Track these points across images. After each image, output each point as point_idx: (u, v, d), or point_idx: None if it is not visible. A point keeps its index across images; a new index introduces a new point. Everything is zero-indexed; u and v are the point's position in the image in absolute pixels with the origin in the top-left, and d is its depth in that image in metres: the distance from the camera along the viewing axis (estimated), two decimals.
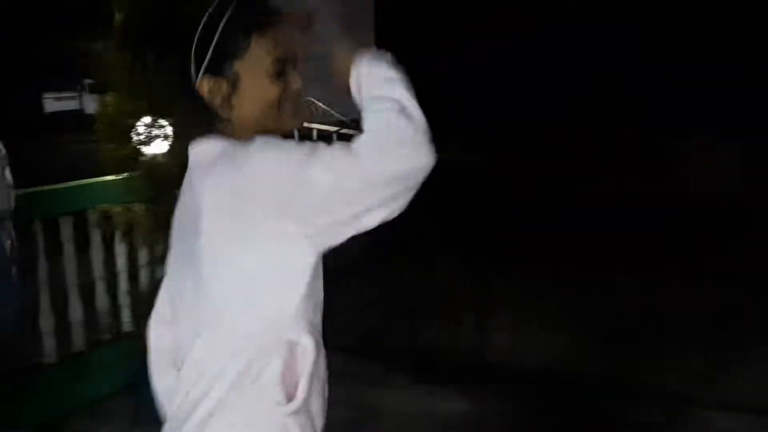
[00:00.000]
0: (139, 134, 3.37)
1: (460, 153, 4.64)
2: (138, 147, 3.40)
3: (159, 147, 3.43)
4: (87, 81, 18.28)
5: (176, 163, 3.44)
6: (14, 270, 2.94)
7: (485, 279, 4.11)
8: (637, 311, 4.48)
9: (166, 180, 3.47)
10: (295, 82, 1.23)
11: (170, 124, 3.35)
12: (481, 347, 3.94)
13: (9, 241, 2.94)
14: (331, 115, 4.08)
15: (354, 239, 1.15)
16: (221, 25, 1.16)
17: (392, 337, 4.04)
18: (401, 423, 3.38)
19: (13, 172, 2.96)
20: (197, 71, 1.20)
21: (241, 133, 1.21)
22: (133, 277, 3.90)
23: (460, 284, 4.41)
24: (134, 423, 3.26)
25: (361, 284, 4.11)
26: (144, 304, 3.84)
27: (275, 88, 1.21)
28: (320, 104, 4.13)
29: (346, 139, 3.96)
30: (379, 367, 3.87)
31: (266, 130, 1.21)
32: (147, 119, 3.39)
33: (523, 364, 3.86)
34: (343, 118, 3.94)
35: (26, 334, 3.27)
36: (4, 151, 2.94)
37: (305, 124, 4.10)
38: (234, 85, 1.20)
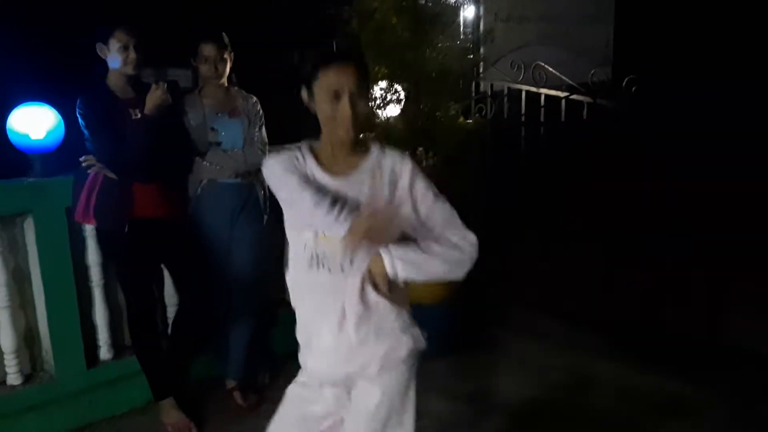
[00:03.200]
0: (375, 98, 3.60)
1: None
2: (374, 110, 3.63)
3: (392, 111, 3.64)
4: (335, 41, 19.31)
5: (408, 127, 3.63)
6: (265, 217, 3.36)
7: (719, 256, 3.77)
8: None
9: (397, 142, 3.69)
10: (345, 109, 1.65)
11: (404, 90, 3.53)
12: (713, 329, 3.66)
13: (262, 192, 3.36)
14: (561, 80, 3.98)
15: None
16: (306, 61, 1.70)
17: (618, 311, 3.90)
18: (618, 398, 3.31)
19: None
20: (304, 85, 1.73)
21: (324, 136, 1.73)
22: None
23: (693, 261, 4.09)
24: None
25: (589, 255, 4.00)
26: None
27: (329, 107, 1.66)
28: (549, 68, 4.04)
29: (577, 105, 3.85)
30: (604, 340, 3.80)
31: (329, 135, 1.71)
32: (383, 84, 3.61)
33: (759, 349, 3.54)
34: (574, 84, 3.83)
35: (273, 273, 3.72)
36: (261, 112, 3.34)
37: (534, 89, 4.06)
38: (311, 97, 1.71)
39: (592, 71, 3.74)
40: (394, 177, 1.73)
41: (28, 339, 3.15)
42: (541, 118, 4.05)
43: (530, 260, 4.23)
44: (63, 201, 2.97)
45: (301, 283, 1.80)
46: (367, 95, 1.71)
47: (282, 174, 1.71)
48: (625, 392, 3.35)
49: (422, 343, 1.85)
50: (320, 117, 1.71)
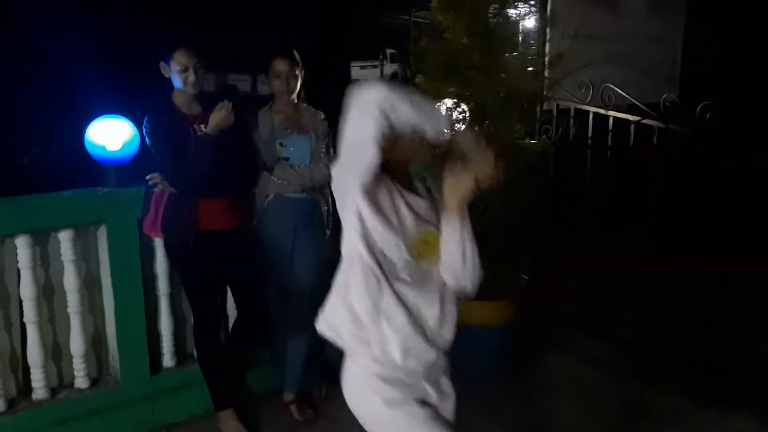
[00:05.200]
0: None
1: None
2: None
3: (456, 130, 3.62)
4: (389, 51, 19.22)
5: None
6: (328, 233, 3.38)
7: None
8: None
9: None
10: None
11: (470, 110, 3.50)
12: None
13: (326, 208, 3.38)
14: (630, 102, 3.88)
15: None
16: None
17: (680, 338, 3.80)
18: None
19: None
20: None
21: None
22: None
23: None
24: None
25: (652, 281, 3.90)
26: None
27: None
28: (618, 90, 3.95)
29: (647, 130, 3.76)
30: (662, 369, 3.70)
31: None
32: (449, 102, 3.59)
33: None
34: (644, 107, 3.73)
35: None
36: (329, 128, 3.37)
37: (602, 111, 3.98)
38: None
39: (664, 95, 3.64)
40: None
41: (95, 344, 3.24)
42: (609, 141, 3.97)
43: (591, 284, 4.15)
44: (135, 211, 3.05)
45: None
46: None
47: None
48: (683, 426, 3.25)
49: None
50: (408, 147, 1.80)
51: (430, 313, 1.86)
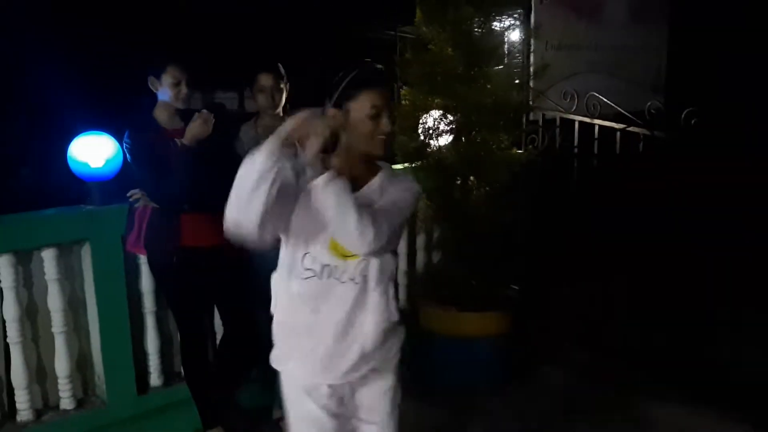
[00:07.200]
0: (428, 128, 3.58)
1: None
2: (426, 140, 3.61)
3: (444, 141, 3.61)
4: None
5: (458, 157, 3.59)
6: None
7: None
8: None
9: (448, 173, 3.66)
10: (385, 125, 1.80)
11: (457, 121, 3.49)
12: None
13: None
14: (615, 110, 3.89)
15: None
16: (346, 80, 1.80)
17: (670, 346, 3.78)
18: None
19: None
20: (329, 102, 1.82)
21: (349, 151, 1.82)
22: (410, 259, 4.18)
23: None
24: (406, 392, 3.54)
25: (642, 290, 3.88)
26: (419, 284, 4.10)
27: (369, 125, 1.79)
28: (602, 98, 3.96)
29: (635, 138, 3.76)
30: (654, 378, 3.68)
31: (356, 149, 1.82)
32: (436, 114, 3.59)
33: None
34: (630, 115, 3.74)
35: None
36: None
37: (587, 120, 4.00)
38: (345, 116, 1.80)
39: (649, 103, 3.66)
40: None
41: (81, 364, 3.19)
42: (595, 150, 3.98)
43: (580, 294, 4.13)
44: (119, 229, 3.01)
45: (308, 292, 1.91)
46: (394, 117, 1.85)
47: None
48: None
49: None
50: (354, 133, 1.81)
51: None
